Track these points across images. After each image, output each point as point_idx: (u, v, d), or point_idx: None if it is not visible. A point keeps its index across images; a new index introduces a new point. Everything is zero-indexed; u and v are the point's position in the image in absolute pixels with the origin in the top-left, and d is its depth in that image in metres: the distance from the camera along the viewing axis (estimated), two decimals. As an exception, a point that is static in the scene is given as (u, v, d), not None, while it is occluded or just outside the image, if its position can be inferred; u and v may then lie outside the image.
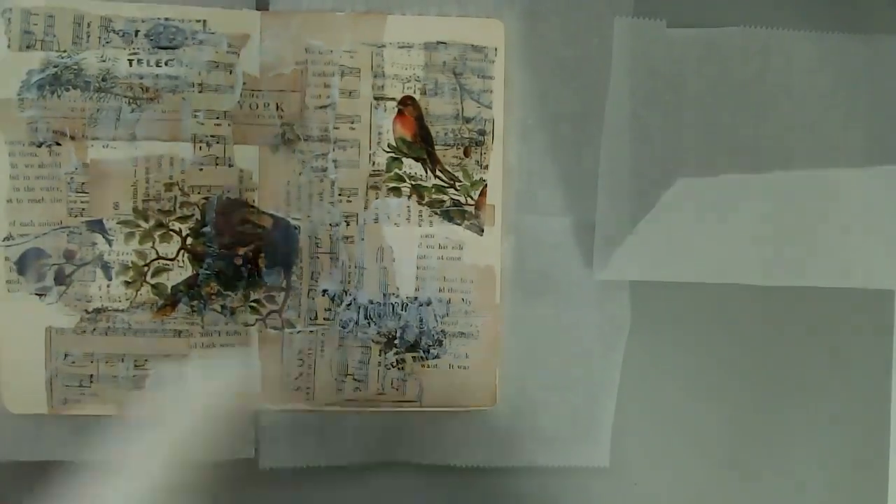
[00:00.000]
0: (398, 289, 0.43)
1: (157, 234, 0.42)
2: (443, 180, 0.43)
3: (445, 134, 0.43)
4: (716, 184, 0.44)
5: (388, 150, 0.43)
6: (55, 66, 0.41)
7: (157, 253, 0.42)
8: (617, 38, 0.43)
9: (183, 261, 0.42)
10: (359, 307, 0.43)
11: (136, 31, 0.41)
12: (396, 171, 0.43)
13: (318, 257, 0.43)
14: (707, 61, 0.44)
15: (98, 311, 0.42)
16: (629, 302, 0.44)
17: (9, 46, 0.41)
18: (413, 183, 0.43)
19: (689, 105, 0.44)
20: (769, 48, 0.44)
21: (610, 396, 0.44)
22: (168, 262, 0.42)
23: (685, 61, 0.44)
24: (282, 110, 0.42)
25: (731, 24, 0.44)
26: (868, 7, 0.45)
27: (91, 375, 0.42)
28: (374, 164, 0.43)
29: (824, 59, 0.44)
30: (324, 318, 0.43)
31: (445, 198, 0.43)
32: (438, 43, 0.43)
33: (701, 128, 0.44)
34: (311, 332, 0.43)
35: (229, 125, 0.42)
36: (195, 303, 0.42)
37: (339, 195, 0.43)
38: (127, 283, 0.42)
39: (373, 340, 0.43)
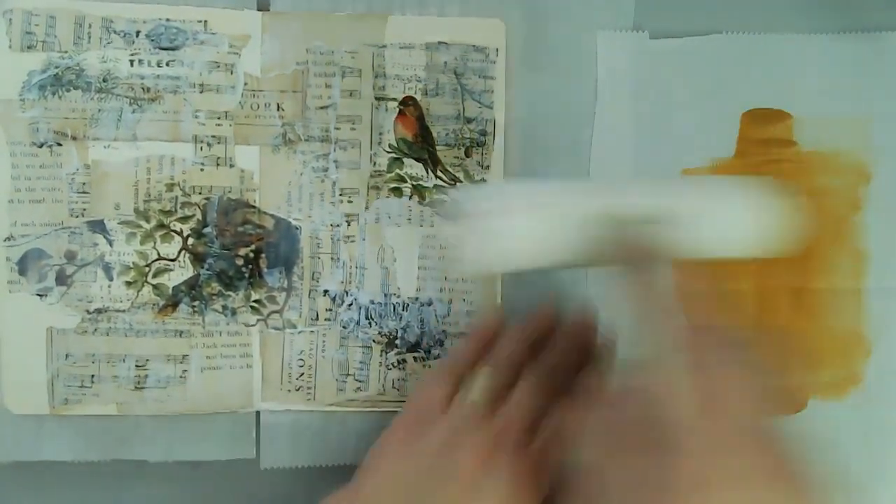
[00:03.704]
0: (399, 289, 0.43)
1: (158, 234, 0.42)
2: (444, 181, 0.43)
3: (446, 134, 0.43)
4: None
5: (389, 150, 0.43)
6: (56, 67, 0.41)
7: (159, 253, 0.42)
8: (601, 52, 0.43)
9: (184, 261, 0.42)
10: (360, 307, 0.43)
11: (137, 32, 0.42)
12: (397, 171, 0.43)
13: (319, 257, 0.43)
14: (692, 69, 0.43)
15: (99, 311, 0.42)
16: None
17: (10, 47, 0.41)
18: (414, 183, 0.43)
19: (679, 111, 0.44)
20: (753, 53, 0.44)
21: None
22: (169, 262, 0.42)
23: (671, 71, 0.43)
24: (283, 111, 0.42)
25: (714, 32, 0.44)
26: (853, 6, 0.44)
27: (92, 376, 0.42)
28: (375, 164, 0.43)
29: (808, 61, 0.44)
30: (325, 319, 0.43)
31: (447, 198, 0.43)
32: (439, 43, 0.43)
33: (693, 134, 0.44)
34: (312, 332, 0.43)
35: (230, 125, 0.42)
36: (196, 303, 0.42)
37: (341, 195, 0.43)
38: (128, 284, 0.42)
39: (374, 341, 0.43)
